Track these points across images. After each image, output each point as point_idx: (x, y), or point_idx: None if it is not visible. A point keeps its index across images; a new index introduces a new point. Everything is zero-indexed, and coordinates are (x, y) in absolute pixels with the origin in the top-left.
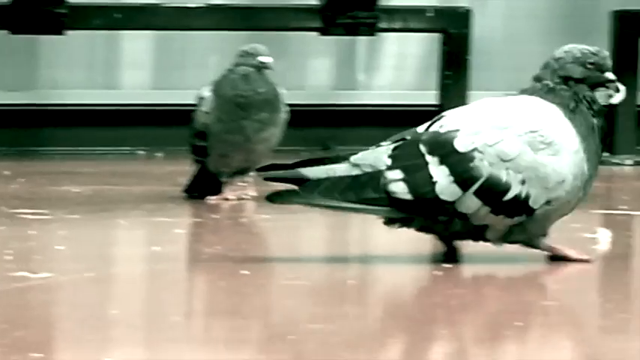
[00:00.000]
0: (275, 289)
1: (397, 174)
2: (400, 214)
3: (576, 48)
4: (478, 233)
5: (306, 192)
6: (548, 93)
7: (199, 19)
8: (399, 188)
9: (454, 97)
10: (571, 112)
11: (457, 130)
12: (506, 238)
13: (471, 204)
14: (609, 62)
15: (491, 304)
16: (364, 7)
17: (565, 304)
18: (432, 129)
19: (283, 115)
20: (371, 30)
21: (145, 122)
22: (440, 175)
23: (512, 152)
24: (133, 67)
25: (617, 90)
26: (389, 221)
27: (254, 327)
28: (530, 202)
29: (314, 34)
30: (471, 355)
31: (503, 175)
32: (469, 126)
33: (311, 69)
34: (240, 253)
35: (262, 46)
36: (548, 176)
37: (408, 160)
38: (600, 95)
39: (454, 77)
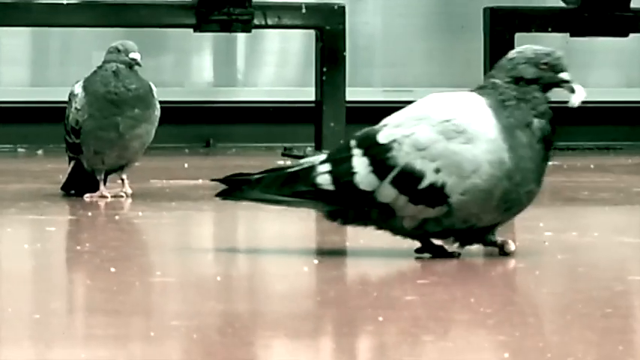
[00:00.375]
0: (141, 287)
1: (326, 167)
2: (327, 206)
3: (530, 48)
4: (393, 224)
5: (249, 188)
6: (490, 89)
7: (73, 16)
8: (324, 180)
9: (332, 93)
10: (502, 106)
11: (385, 125)
12: (422, 228)
13: (388, 193)
14: (563, 63)
15: (356, 300)
16: (238, 3)
17: (430, 299)
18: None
19: (156, 111)
20: (245, 26)
21: (24, 120)
22: (361, 165)
23: (426, 141)
24: (11, 64)
25: (572, 90)
26: (329, 215)
27: (115, 324)
28: (446, 191)
29: (193, 30)
30: (328, 351)
31: (418, 164)
32: (394, 120)
33: (191, 66)
34: (111, 251)
35: (132, 42)
36: (461, 164)
37: (338, 154)
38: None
39: (331, 73)
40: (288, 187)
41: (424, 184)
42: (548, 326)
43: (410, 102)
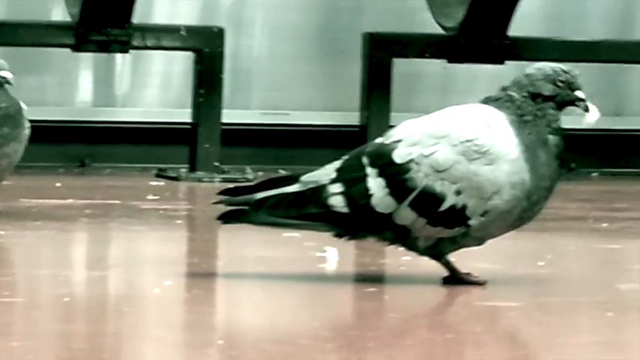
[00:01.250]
0: None
1: (338, 187)
2: (340, 230)
3: (548, 65)
4: (407, 242)
5: (253, 211)
6: (507, 102)
7: None
8: (337, 202)
9: (208, 115)
10: (521, 122)
11: (399, 141)
12: (435, 248)
13: (406, 215)
14: (579, 81)
15: (196, 324)
16: (117, 24)
17: (275, 323)
18: (379, 140)
19: (26, 130)
20: (123, 47)
21: None
22: (377, 187)
23: (446, 163)
24: None
25: (587, 109)
26: (337, 235)
27: None
28: (467, 213)
29: (71, 50)
30: None
31: (438, 186)
32: (410, 136)
33: (72, 86)
34: None
35: (2, 60)
36: (483, 186)
37: (350, 172)
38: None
39: (208, 95)
40: (295, 209)
41: (445, 206)
42: (385, 351)
43: (286, 125)
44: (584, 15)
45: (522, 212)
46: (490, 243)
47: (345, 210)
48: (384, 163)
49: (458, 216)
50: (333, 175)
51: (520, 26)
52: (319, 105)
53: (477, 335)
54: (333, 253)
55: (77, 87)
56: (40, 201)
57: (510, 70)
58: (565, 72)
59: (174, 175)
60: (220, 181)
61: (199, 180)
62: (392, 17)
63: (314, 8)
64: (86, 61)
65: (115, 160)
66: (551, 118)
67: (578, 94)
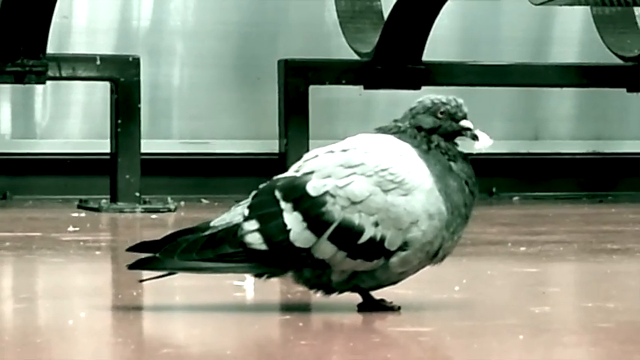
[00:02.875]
0: None
1: (253, 224)
2: (260, 269)
3: (429, 98)
4: (322, 279)
5: (166, 256)
6: (400, 133)
7: None
8: (255, 239)
9: (127, 145)
10: (424, 152)
11: (311, 173)
12: (350, 282)
13: (325, 249)
14: (463, 110)
15: (116, 352)
16: (32, 55)
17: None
18: (289, 173)
19: None
20: (39, 78)
21: None
22: (293, 222)
23: (362, 194)
24: None
25: (474, 137)
26: (257, 275)
27: None
28: (386, 244)
29: None
30: None
31: (356, 218)
32: (323, 167)
33: None
34: None
35: None
36: (400, 217)
37: (262, 208)
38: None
39: (126, 125)
40: (210, 251)
41: (364, 238)
42: None
43: (207, 154)
44: (498, 38)
45: (443, 243)
46: None
47: (263, 247)
48: (298, 196)
49: (377, 248)
50: (246, 212)
51: (435, 51)
52: (239, 133)
53: None
54: (250, 282)
55: None
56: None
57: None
58: (445, 103)
59: (95, 206)
60: (142, 212)
61: (121, 211)
62: (308, 43)
63: (231, 35)
64: (4, 93)
65: (36, 192)
66: (443, 147)
67: (463, 123)
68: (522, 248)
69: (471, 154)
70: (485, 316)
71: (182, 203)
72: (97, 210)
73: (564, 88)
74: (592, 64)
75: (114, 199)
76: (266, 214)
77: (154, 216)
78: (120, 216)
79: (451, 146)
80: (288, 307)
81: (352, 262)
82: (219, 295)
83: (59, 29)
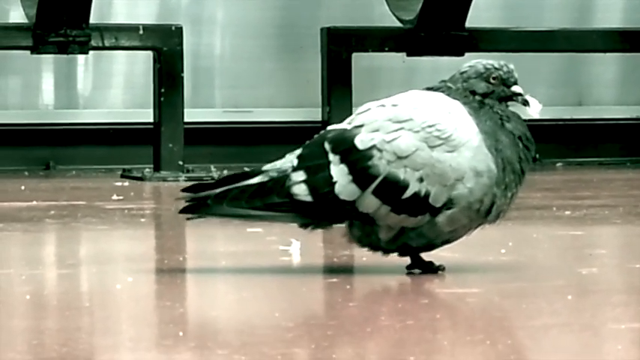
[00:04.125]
0: None
1: (300, 175)
2: (305, 219)
3: (480, 63)
4: (371, 237)
5: (216, 203)
6: (452, 92)
7: None
8: (301, 190)
9: (170, 114)
10: (475, 109)
11: (361, 126)
12: (399, 240)
13: (370, 203)
14: (514, 76)
15: (158, 316)
16: (75, 25)
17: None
18: (342, 125)
19: None
20: (82, 48)
21: None
22: (339, 174)
23: (409, 149)
24: None
25: (525, 103)
26: (302, 225)
27: None
28: (431, 200)
29: (30, 52)
30: None
31: (401, 173)
32: (372, 121)
33: (33, 88)
34: None
35: None
36: (445, 173)
37: (311, 159)
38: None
39: (169, 94)
40: (259, 199)
41: (408, 193)
42: (344, 338)
43: (249, 123)
44: (542, 4)
45: (496, 201)
46: None
47: (308, 199)
48: (346, 149)
49: (422, 203)
50: (295, 162)
51: (478, 17)
52: (282, 101)
53: (436, 321)
54: (296, 247)
55: (39, 89)
56: (4, 204)
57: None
58: (497, 68)
59: (138, 175)
60: (185, 180)
61: (164, 179)
62: (351, 11)
63: (273, 4)
64: (47, 63)
65: (79, 161)
66: (498, 108)
67: (515, 89)
68: (567, 212)
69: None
70: (532, 278)
71: (225, 172)
72: (141, 179)
73: (608, 54)
74: (636, 29)
75: (157, 169)
76: (314, 166)
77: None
78: (163, 185)
79: (504, 107)
80: (334, 271)
81: (396, 217)
82: (266, 260)
83: None
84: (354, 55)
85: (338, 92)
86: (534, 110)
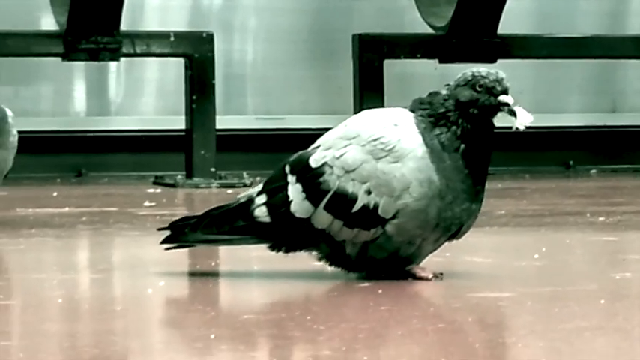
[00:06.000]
0: None
1: (262, 198)
2: (266, 241)
3: (470, 70)
4: (340, 253)
5: (192, 231)
6: (426, 104)
7: None
8: (261, 212)
9: (202, 121)
10: (432, 126)
11: (318, 147)
12: (365, 254)
13: (323, 219)
14: (503, 85)
15: (192, 320)
16: (106, 32)
17: (266, 317)
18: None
19: (12, 137)
20: (113, 55)
21: None
22: (295, 192)
23: (355, 163)
24: None
25: (512, 113)
26: (271, 248)
27: None
28: (380, 212)
29: (61, 59)
30: None
31: (350, 187)
32: (326, 141)
33: (65, 95)
34: None
35: None
36: (391, 184)
37: (273, 183)
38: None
39: (200, 101)
40: (227, 225)
41: (357, 206)
42: (376, 341)
43: (281, 130)
44: (574, 11)
45: (441, 213)
46: (485, 238)
47: (267, 219)
48: (301, 168)
49: (372, 216)
50: (260, 187)
51: (510, 24)
52: (314, 108)
53: (468, 324)
54: None
55: (71, 96)
56: (37, 210)
57: (502, 68)
58: (484, 76)
59: (171, 182)
60: (217, 187)
61: (196, 186)
62: (383, 18)
63: (304, 11)
64: (79, 70)
65: (111, 169)
66: (466, 125)
67: (502, 98)
68: (601, 218)
69: (543, 128)
70: (565, 282)
71: (257, 179)
72: (173, 186)
73: None
74: None
75: (189, 175)
76: (274, 188)
77: (229, 191)
78: (196, 191)
79: (472, 124)
80: (365, 276)
81: (350, 232)
82: (297, 264)
83: (133, 6)
84: (386, 61)
85: (370, 99)
86: (522, 122)
